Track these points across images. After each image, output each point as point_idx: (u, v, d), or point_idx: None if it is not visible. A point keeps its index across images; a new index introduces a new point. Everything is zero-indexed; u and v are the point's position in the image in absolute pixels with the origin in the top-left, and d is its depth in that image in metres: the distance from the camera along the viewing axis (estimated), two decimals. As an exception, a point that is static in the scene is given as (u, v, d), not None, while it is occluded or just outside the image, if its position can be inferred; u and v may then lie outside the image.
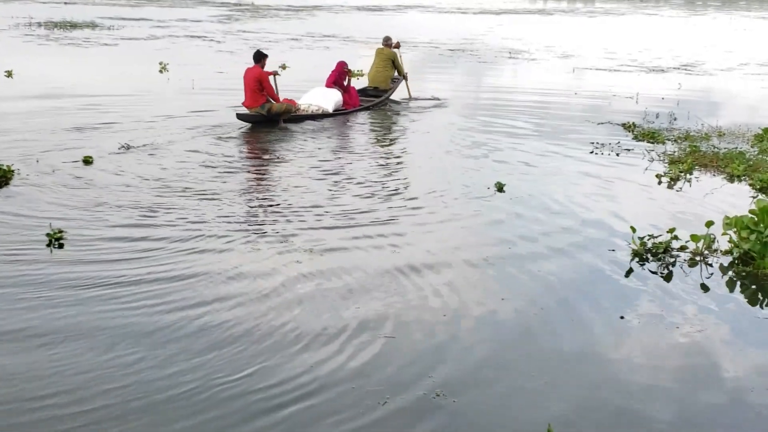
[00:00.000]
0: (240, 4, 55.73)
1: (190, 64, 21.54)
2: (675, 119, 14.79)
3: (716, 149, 12.04)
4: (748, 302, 6.81)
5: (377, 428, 4.68)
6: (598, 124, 14.40)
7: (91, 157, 10.52)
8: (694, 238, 7.62)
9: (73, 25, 31.86)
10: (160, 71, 19.79)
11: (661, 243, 7.66)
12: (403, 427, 4.71)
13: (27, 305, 6.08)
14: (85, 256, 7.12)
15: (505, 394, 5.15)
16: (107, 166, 10.37)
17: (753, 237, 7.38)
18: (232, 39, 29.58)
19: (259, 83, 13.32)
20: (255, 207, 8.88)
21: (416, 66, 18.78)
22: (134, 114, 13.96)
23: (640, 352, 5.80)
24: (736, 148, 12.17)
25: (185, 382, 5.05)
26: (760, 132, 13.05)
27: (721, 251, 7.69)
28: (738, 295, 6.93)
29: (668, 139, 12.94)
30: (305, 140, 12.76)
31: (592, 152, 12.08)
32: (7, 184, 9.32)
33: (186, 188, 9.44)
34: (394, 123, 14.88)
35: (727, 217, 7.79)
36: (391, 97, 16.68)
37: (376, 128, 14.39)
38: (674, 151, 12.01)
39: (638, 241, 7.66)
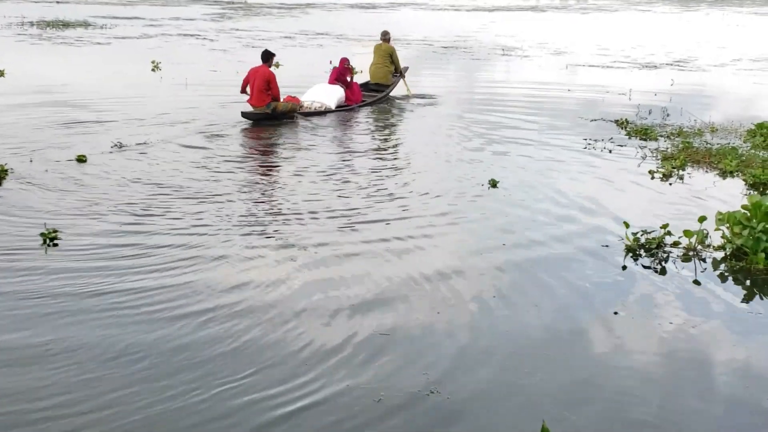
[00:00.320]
0: (233, 3, 55.62)
1: (183, 62, 21.51)
2: (668, 115, 14.82)
3: (709, 145, 12.07)
4: (741, 297, 6.83)
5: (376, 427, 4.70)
6: (591, 120, 14.42)
7: (84, 156, 10.51)
8: (687, 233, 7.64)
9: (66, 24, 31.79)
10: (153, 70, 19.76)
11: (654, 238, 7.68)
12: (399, 425, 4.72)
13: (23, 312, 6.00)
14: (81, 260, 7.04)
15: (499, 391, 5.16)
16: (101, 165, 10.36)
17: (746, 232, 7.40)
18: (225, 37, 29.55)
19: (267, 83, 13.47)
20: (253, 208, 8.79)
21: (410, 63, 18.75)
22: (127, 113, 13.94)
23: (633, 348, 5.82)
24: (729, 143, 12.21)
25: (189, 391, 4.99)
26: (753, 127, 13.08)
27: (713, 247, 7.72)
28: (731, 290, 6.95)
29: (661, 136, 12.96)
30: (306, 137, 12.86)
31: (585, 148, 12.10)
32: (0, 183, 9.31)
33: (181, 188, 9.41)
34: (394, 119, 15.00)
35: (719, 213, 7.81)
36: (393, 94, 16.78)
37: (376, 125, 14.46)
38: (667, 147, 12.04)
39: (631, 237, 7.69)
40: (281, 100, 13.88)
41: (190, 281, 6.63)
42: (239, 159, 11.23)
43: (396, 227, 8.15)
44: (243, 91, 13.92)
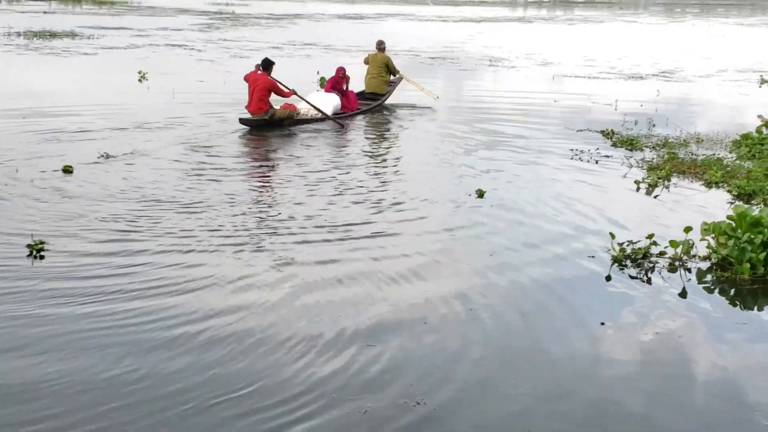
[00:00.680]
0: (221, 13, 55.61)
1: (170, 72, 21.45)
2: (653, 126, 14.89)
3: (694, 156, 12.14)
4: (727, 308, 6.88)
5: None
6: (578, 131, 14.48)
7: (71, 167, 10.47)
8: (673, 243, 7.68)
9: (53, 35, 31.67)
10: (140, 80, 19.70)
11: (640, 249, 7.72)
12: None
13: (17, 322, 5.96)
14: (71, 270, 7.02)
15: (487, 402, 5.17)
16: (88, 175, 10.32)
17: (731, 243, 7.46)
18: (212, 47, 29.51)
19: (268, 91, 13.73)
20: (245, 221, 8.68)
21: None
22: (113, 123, 13.88)
23: (620, 358, 5.85)
24: (714, 154, 12.27)
25: (187, 400, 5.00)
26: (738, 138, 13.16)
27: (699, 257, 7.76)
28: (717, 300, 7.00)
29: (646, 146, 13.02)
30: (298, 147, 12.92)
31: (571, 159, 12.15)
32: (-15, 194, 9.27)
33: (170, 200, 9.33)
34: (387, 128, 15.16)
35: (705, 223, 7.86)
36: (388, 102, 17.07)
37: (370, 134, 14.58)
38: (653, 158, 12.10)
39: (618, 247, 7.72)
40: (279, 107, 14.12)
41: (183, 300, 6.52)
42: (229, 170, 11.10)
43: (385, 241, 8.13)
44: None
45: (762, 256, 7.27)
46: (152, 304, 6.37)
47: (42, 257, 7.30)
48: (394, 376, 5.41)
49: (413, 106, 17.17)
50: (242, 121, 13.96)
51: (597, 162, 11.98)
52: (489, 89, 20.66)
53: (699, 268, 7.59)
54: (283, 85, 14.07)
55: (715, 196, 10.23)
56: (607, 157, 12.29)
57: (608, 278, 7.33)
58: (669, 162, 11.65)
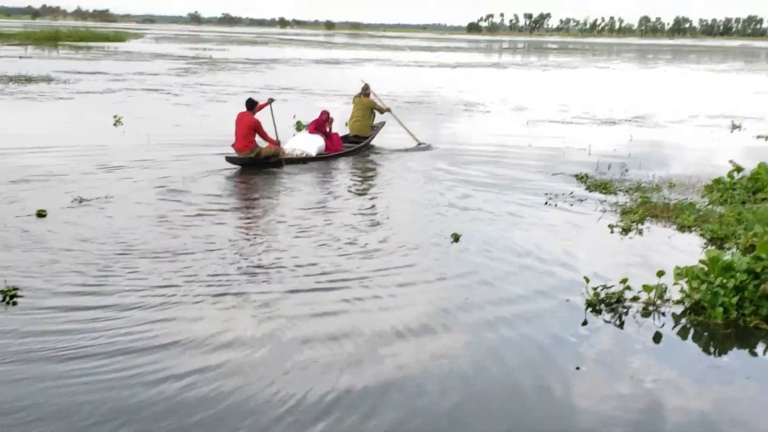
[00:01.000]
0: (198, 58, 55.93)
1: (146, 116, 21.48)
2: (627, 170, 15.06)
3: (667, 200, 12.26)
4: (701, 352, 6.91)
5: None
6: (552, 174, 14.60)
7: (44, 211, 10.39)
8: (647, 288, 7.72)
9: (29, 80, 31.64)
10: (115, 124, 19.67)
11: (614, 293, 7.75)
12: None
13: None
14: (44, 323, 6.83)
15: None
16: (61, 220, 10.23)
17: (704, 287, 7.51)
18: (189, 92, 29.62)
19: (253, 130, 14.16)
20: (224, 265, 8.57)
21: (377, 118, 18.94)
22: (88, 167, 13.83)
23: (595, 403, 5.84)
24: (687, 199, 12.41)
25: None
26: (710, 183, 13.32)
27: (672, 301, 7.79)
28: (690, 344, 7.02)
29: (620, 190, 13.14)
30: (282, 187, 13.13)
31: (546, 203, 12.22)
32: (-43, 239, 9.16)
33: (146, 245, 9.24)
34: (370, 170, 15.28)
35: (678, 267, 7.91)
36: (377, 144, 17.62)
37: (353, 175, 14.68)
38: (626, 202, 12.20)
39: (592, 292, 7.74)
40: (265, 146, 14.50)
41: (160, 355, 6.35)
42: (207, 214, 10.97)
43: (368, 291, 7.96)
44: None
45: (734, 300, 7.33)
46: (128, 360, 6.20)
47: (15, 303, 7.20)
48: (367, 420, 5.39)
49: (395, 149, 17.44)
50: (229, 159, 14.31)
51: (572, 206, 12.07)
52: (465, 133, 20.83)
53: (673, 313, 7.62)
54: (269, 139, 14.56)
55: (688, 240, 10.31)
56: (582, 200, 12.39)
57: (584, 323, 7.34)
58: (642, 206, 11.75)
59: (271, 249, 9.32)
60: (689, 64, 72.06)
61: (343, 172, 14.94)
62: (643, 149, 18.16)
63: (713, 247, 9.77)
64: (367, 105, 17.58)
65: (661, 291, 7.76)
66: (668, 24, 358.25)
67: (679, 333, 7.22)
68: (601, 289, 7.78)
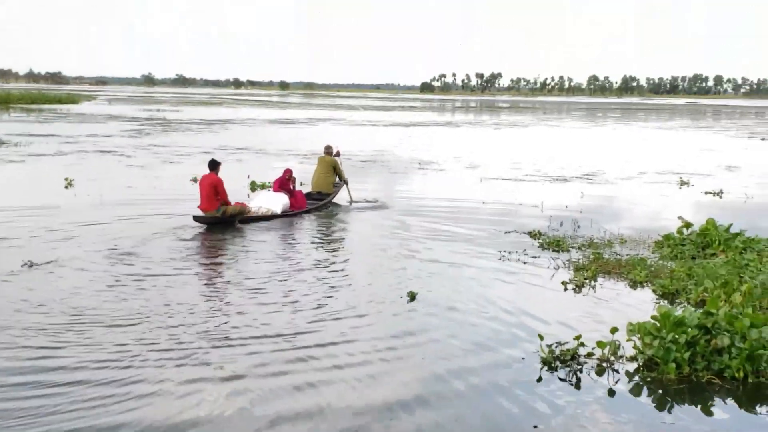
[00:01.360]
0: (151, 119, 55.80)
1: (98, 178, 21.31)
2: (579, 227, 15.25)
3: (619, 256, 12.42)
4: (654, 408, 6.93)
5: None
6: (506, 232, 14.72)
7: (-8, 277, 10.19)
8: (600, 344, 7.77)
9: (-22, 142, 31.29)
10: (66, 186, 19.48)
11: (568, 350, 7.79)
12: None
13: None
14: None
15: None
16: (10, 285, 10.03)
17: (656, 343, 7.58)
18: (143, 153, 29.49)
19: (215, 189, 14.58)
20: (182, 329, 8.42)
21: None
22: (38, 230, 13.62)
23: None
24: (638, 254, 12.58)
25: None
26: (660, 239, 13.54)
27: (626, 357, 7.86)
28: (645, 401, 7.06)
29: (572, 247, 13.29)
30: (242, 246, 13.12)
31: (500, 260, 12.30)
32: None
33: (100, 310, 9.04)
34: (331, 228, 15.46)
35: (630, 324, 7.99)
36: (334, 201, 18.27)
37: (315, 233, 14.77)
38: (578, 259, 12.33)
39: (547, 349, 7.77)
40: (231, 204, 14.89)
41: (120, 419, 6.21)
42: (162, 277, 10.80)
43: (326, 351, 7.92)
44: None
45: (686, 355, 7.42)
46: (87, 424, 6.03)
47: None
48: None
49: (365, 201, 18.17)
50: (196, 218, 14.66)
51: (525, 263, 12.15)
52: (420, 191, 20.97)
53: (627, 369, 7.67)
54: (227, 199, 14.86)
55: (640, 295, 10.43)
56: (535, 258, 12.49)
57: (539, 380, 7.35)
58: (594, 262, 11.89)
59: (231, 313, 9.17)
60: (637, 122, 73.69)
61: (306, 230, 15.02)
62: (594, 206, 18.45)
63: (665, 303, 9.92)
64: (329, 163, 18.44)
65: (615, 347, 7.82)
66: (616, 83, 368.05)
67: (633, 389, 7.26)
68: (556, 347, 7.82)
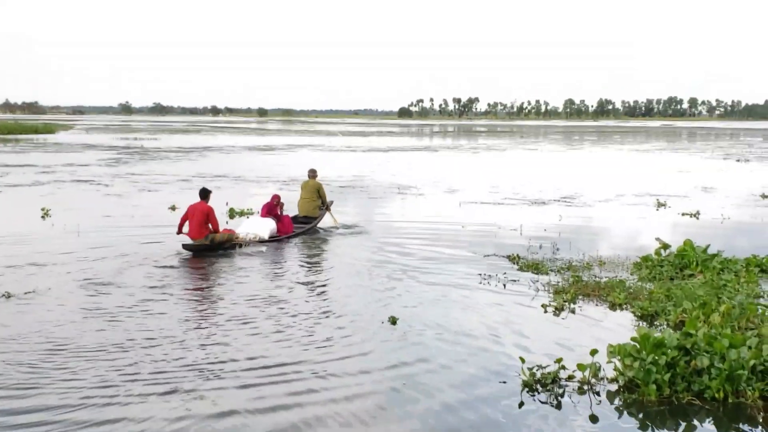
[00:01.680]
0: (129, 147, 55.62)
1: (75, 208, 21.17)
2: (557, 250, 15.31)
3: (598, 278, 12.46)
4: (636, 430, 6.93)
5: None
6: (485, 255, 14.75)
7: (-33, 309, 10.06)
8: (581, 367, 7.78)
9: (-47, 173, 31.07)
10: (43, 217, 19.34)
11: (549, 373, 7.79)
12: None
13: None
14: None
15: None
16: (-14, 317, 9.90)
17: (636, 364, 7.60)
18: (120, 182, 29.37)
19: (206, 216, 14.74)
20: (167, 361, 8.28)
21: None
22: (14, 261, 13.48)
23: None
24: (617, 276, 12.64)
25: None
26: (639, 260, 13.61)
27: (607, 379, 7.86)
28: (625, 423, 7.06)
29: (552, 270, 13.32)
30: (227, 275, 13.02)
31: (480, 283, 12.31)
32: None
33: (81, 342, 8.92)
34: (317, 253, 15.53)
35: (610, 346, 8.00)
36: (319, 225, 18.52)
37: (301, 259, 14.83)
38: (558, 281, 12.36)
39: (527, 372, 7.77)
40: (219, 232, 15.06)
41: None
42: (143, 307, 10.66)
43: (315, 383, 7.81)
44: (180, 230, 15.05)
45: (667, 377, 7.43)
46: None
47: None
48: None
49: (347, 226, 18.36)
50: (185, 246, 14.75)
51: (505, 286, 12.17)
52: (399, 215, 21.01)
53: (608, 391, 7.68)
54: (219, 233, 15.05)
55: (620, 317, 10.46)
56: (515, 281, 12.51)
57: (521, 404, 7.34)
58: (574, 285, 11.92)
59: (217, 342, 9.08)
60: (614, 145, 74.31)
61: (292, 255, 15.13)
62: (572, 228, 18.53)
63: (644, 324, 9.95)
64: (314, 187, 18.78)
65: (596, 369, 7.83)
66: (592, 106, 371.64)
67: (614, 412, 7.26)
68: (537, 370, 7.82)
